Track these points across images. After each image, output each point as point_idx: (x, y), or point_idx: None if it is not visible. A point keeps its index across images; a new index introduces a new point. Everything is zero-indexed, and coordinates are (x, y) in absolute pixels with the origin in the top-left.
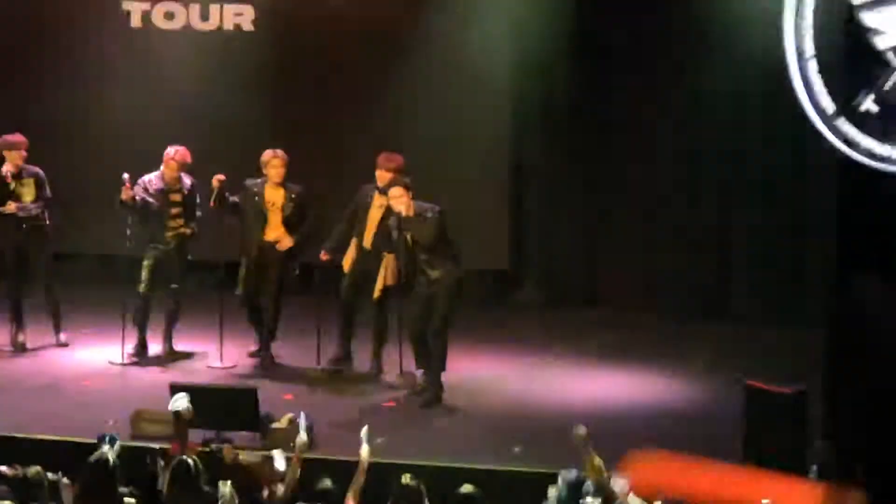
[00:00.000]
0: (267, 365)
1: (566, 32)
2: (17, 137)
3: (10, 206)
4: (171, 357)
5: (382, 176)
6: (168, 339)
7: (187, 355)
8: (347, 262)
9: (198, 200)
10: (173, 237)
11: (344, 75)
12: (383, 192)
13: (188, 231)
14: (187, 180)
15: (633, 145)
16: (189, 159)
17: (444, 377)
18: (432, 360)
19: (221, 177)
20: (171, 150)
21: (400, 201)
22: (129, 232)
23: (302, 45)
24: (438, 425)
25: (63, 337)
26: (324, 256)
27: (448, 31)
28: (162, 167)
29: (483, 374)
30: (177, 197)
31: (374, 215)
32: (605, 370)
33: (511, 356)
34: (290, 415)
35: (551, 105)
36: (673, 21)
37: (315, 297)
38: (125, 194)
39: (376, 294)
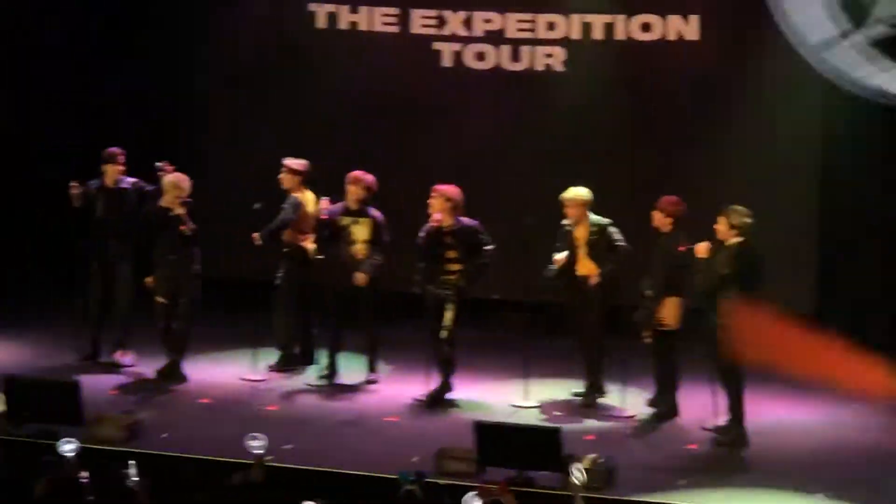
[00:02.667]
0: None
1: None
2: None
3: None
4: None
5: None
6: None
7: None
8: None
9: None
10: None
11: (651, 117)
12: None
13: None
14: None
15: None
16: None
17: (748, 422)
18: (730, 404)
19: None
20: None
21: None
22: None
23: (610, 87)
24: (740, 469)
25: (373, 375)
26: None
27: (760, 80)
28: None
29: (787, 418)
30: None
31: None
32: None
33: (814, 400)
34: (592, 455)
35: (860, 145)
36: None
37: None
38: None
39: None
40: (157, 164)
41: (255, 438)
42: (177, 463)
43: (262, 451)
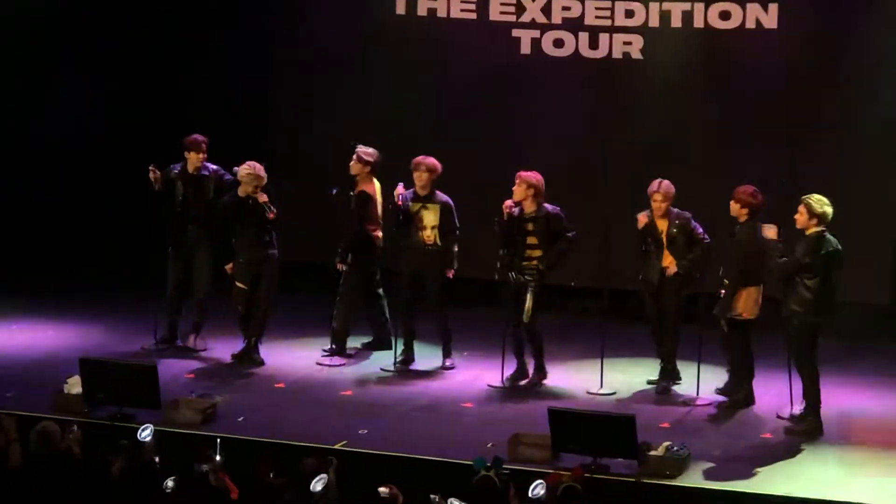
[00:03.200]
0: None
1: None
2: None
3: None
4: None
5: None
6: (538, 365)
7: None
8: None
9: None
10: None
11: (728, 106)
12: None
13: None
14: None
15: None
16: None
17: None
18: (806, 393)
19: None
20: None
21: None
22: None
23: (688, 75)
24: (810, 461)
25: (448, 361)
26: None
27: (838, 70)
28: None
29: (863, 407)
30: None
31: None
32: None
33: (887, 391)
34: (666, 443)
35: None
36: None
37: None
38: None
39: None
40: (235, 169)
41: (319, 481)
42: (252, 447)
43: (324, 489)
